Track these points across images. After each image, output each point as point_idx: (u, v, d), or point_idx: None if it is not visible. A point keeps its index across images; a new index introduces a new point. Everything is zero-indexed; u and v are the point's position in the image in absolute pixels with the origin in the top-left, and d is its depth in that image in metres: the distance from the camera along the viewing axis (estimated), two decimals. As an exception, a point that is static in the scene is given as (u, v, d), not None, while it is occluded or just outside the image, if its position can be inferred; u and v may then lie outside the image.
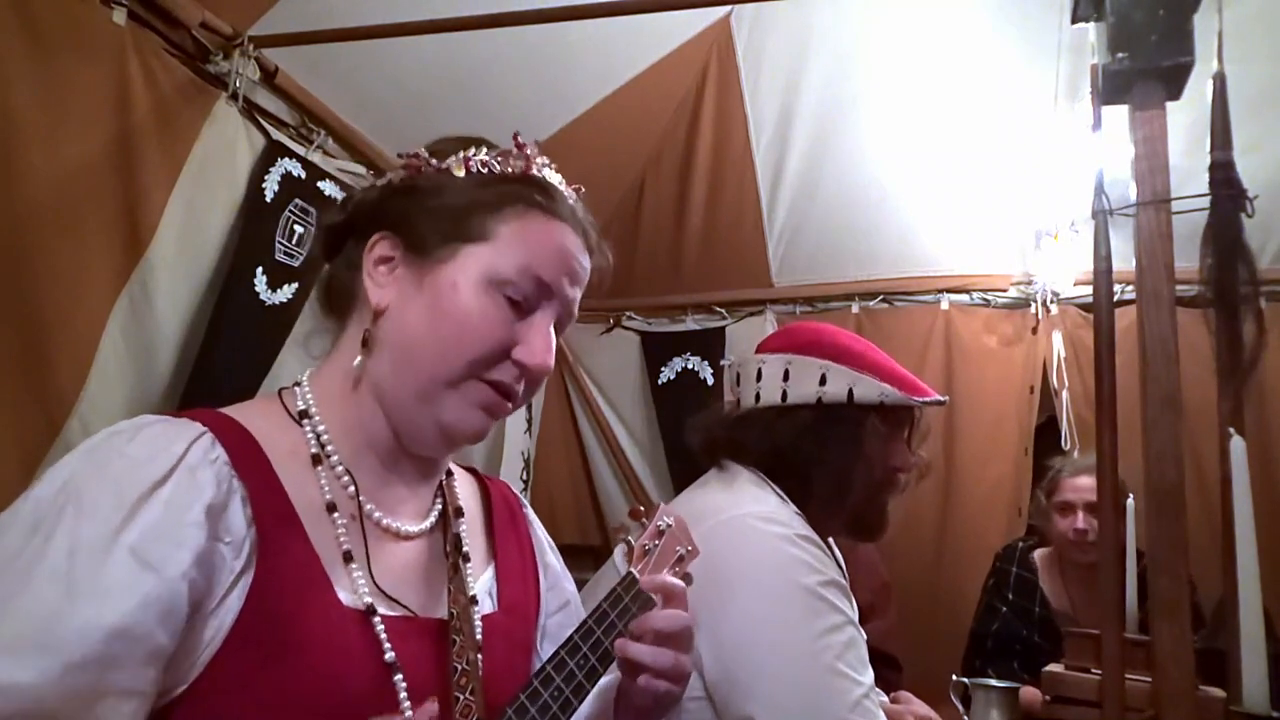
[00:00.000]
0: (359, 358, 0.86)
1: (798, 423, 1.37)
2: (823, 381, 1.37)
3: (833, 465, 1.36)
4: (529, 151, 0.89)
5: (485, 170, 0.87)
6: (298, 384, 0.88)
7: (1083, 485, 2.49)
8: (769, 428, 1.38)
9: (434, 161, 0.88)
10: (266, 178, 2.09)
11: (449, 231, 0.84)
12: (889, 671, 2.36)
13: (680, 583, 0.93)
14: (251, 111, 2.09)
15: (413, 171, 0.88)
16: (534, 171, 0.88)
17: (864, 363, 1.40)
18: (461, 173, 0.87)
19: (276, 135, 2.14)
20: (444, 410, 0.83)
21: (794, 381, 1.38)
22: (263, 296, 2.08)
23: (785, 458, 1.37)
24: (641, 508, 0.99)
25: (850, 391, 1.36)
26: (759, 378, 1.42)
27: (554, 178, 0.91)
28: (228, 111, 2.01)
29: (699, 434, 1.50)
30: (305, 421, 0.85)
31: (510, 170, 0.88)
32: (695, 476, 1.51)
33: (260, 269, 2.07)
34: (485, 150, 0.89)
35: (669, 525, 0.98)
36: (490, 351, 0.83)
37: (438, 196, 0.86)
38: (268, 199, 2.09)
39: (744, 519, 1.28)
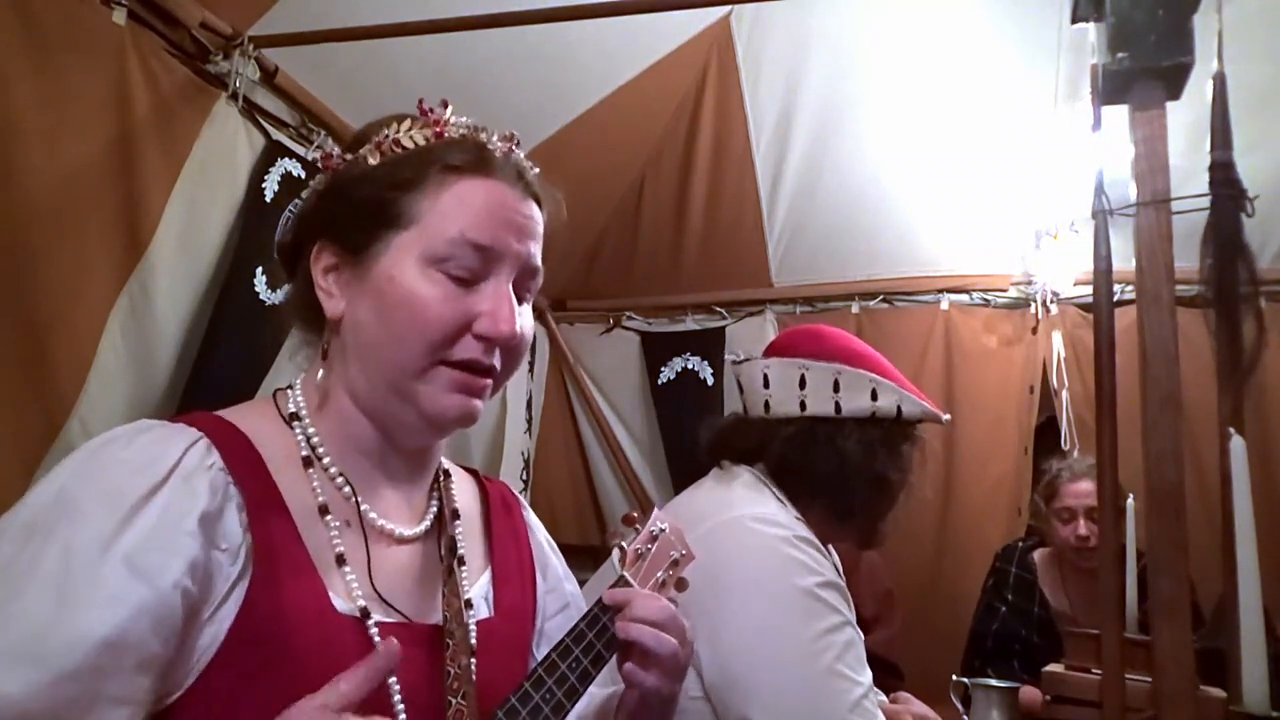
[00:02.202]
0: (321, 371, 0.85)
1: (862, 438, 1.36)
2: (874, 397, 1.38)
3: (880, 477, 1.37)
4: (437, 115, 0.86)
5: (398, 149, 0.84)
6: (290, 387, 0.88)
7: (1083, 491, 2.47)
8: (831, 441, 1.36)
9: (347, 156, 0.86)
10: (266, 178, 2.09)
11: (376, 224, 0.82)
12: (891, 680, 2.35)
13: (666, 603, 0.90)
14: (251, 111, 2.09)
15: (331, 170, 0.86)
16: (446, 134, 0.85)
17: (898, 379, 1.41)
18: (376, 159, 0.84)
19: (276, 135, 2.14)
20: (420, 402, 0.81)
21: (845, 394, 1.37)
22: (263, 296, 2.08)
23: (849, 471, 1.36)
24: (635, 514, 0.98)
25: (899, 408, 1.38)
26: (802, 384, 1.39)
27: (471, 132, 0.86)
28: (228, 111, 2.01)
29: (729, 435, 1.48)
30: (295, 424, 0.84)
31: (422, 141, 0.84)
32: (695, 476, 1.51)
33: (260, 269, 2.07)
34: (398, 126, 0.85)
35: (663, 529, 0.97)
36: (445, 333, 0.79)
37: (358, 190, 0.83)
38: (268, 199, 2.09)
39: (742, 521, 1.29)
